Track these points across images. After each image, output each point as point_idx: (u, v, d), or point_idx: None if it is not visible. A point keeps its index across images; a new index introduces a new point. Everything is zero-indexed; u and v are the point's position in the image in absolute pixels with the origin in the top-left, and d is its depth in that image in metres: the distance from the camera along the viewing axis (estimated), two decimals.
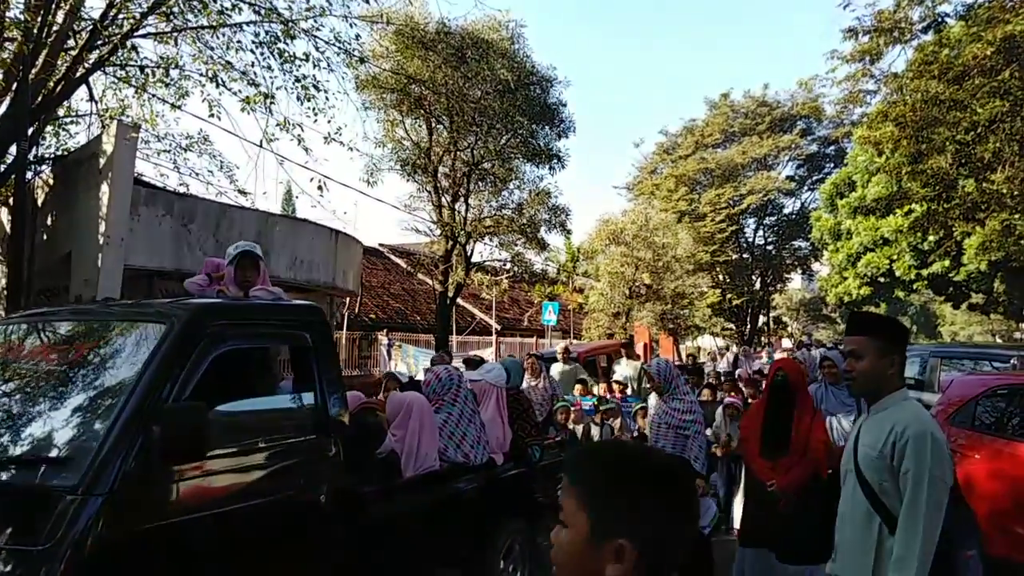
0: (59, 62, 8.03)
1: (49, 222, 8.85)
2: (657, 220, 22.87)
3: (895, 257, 22.04)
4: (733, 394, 7.55)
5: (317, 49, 9.01)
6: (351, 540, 3.46)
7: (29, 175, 8.44)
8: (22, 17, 7.23)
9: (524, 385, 6.93)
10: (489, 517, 4.48)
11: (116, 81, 9.53)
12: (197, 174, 10.65)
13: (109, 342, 3.20)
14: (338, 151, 55.91)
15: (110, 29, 8.19)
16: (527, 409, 5.32)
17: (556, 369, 9.23)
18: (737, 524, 5.67)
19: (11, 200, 8.15)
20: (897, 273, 22.25)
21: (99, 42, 8.15)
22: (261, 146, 8.97)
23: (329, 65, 9.48)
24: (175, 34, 8.72)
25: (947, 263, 19.94)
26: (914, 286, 23.34)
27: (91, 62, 8.18)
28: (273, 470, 3.16)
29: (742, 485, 5.91)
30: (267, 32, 8.73)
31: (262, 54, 8.79)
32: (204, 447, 2.72)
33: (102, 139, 8.11)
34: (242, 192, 10.78)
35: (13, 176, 7.78)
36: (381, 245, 26.86)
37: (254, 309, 3.60)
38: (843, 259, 24.35)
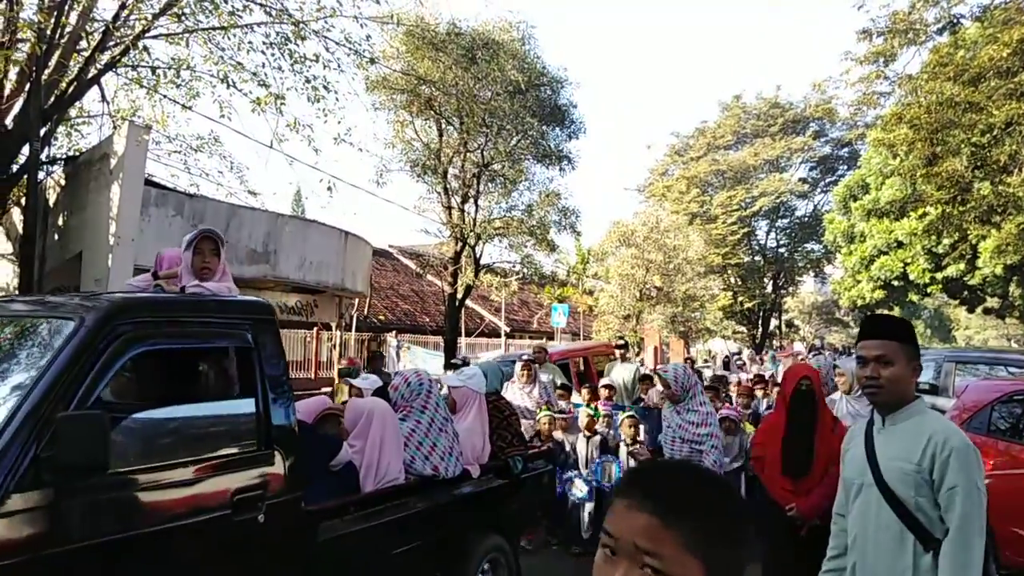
0: (72, 63, 8.08)
1: (61, 222, 8.92)
2: (668, 222, 22.81)
3: (909, 260, 21.84)
4: (726, 404, 6.95)
5: (327, 50, 9.03)
6: (295, 563, 3.16)
7: (41, 175, 8.52)
8: (36, 18, 7.28)
9: (516, 392, 6.65)
10: (462, 535, 4.12)
11: (128, 82, 9.61)
12: (207, 175, 10.74)
13: (6, 341, 2.90)
14: (348, 152, 56.17)
15: (122, 30, 8.24)
16: (509, 416, 4.88)
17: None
18: None
19: (24, 200, 8.22)
20: (911, 276, 22.04)
21: (111, 43, 8.21)
22: (271, 147, 9.00)
23: (339, 66, 9.52)
24: (186, 35, 8.76)
25: (962, 266, 19.75)
26: (928, 290, 23.09)
27: (103, 63, 8.23)
28: (200, 487, 2.82)
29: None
30: (278, 33, 8.77)
31: (272, 55, 8.83)
32: (105, 462, 2.37)
33: (113, 140, 8.17)
34: (252, 193, 10.84)
35: (26, 176, 7.85)
36: (390, 246, 26.92)
37: (184, 304, 3.18)
38: (856, 262, 24.15)
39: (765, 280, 34.42)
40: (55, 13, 7.33)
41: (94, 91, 8.76)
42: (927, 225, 16.40)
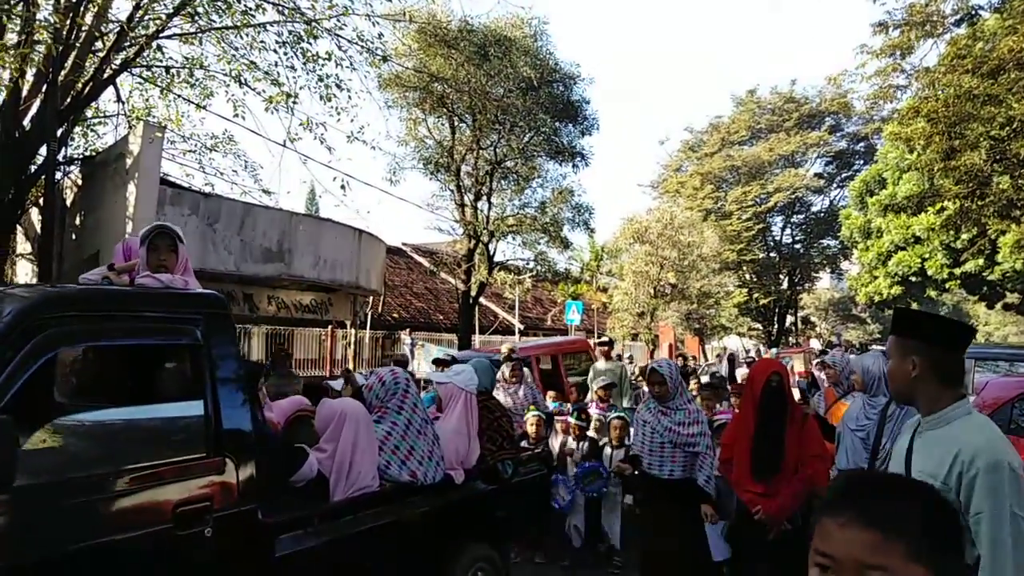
0: (87, 63, 8.15)
1: (77, 222, 9.01)
2: (682, 218, 22.70)
3: (927, 256, 21.60)
4: (721, 406, 6.62)
5: (340, 48, 9.03)
6: None
7: (59, 175, 8.61)
8: (52, 19, 7.35)
9: (501, 392, 6.35)
10: (443, 545, 3.84)
11: (142, 82, 9.67)
12: (222, 174, 10.79)
13: None
14: (361, 150, 56.40)
15: (137, 30, 8.29)
16: (500, 418, 4.58)
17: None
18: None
19: (42, 200, 8.31)
20: (929, 272, 21.80)
21: (126, 43, 8.26)
22: (285, 146, 9.02)
23: (352, 64, 9.51)
24: (200, 35, 8.81)
25: (981, 262, 19.51)
26: (947, 285, 22.83)
27: (118, 63, 8.29)
28: (134, 499, 2.56)
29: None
30: (290, 32, 8.78)
31: (285, 54, 8.85)
32: (10, 472, 2.16)
33: (129, 139, 8.24)
34: (266, 191, 10.89)
35: (43, 176, 7.93)
36: (404, 244, 26.98)
37: (123, 298, 2.90)
38: (873, 258, 23.92)
39: (781, 276, 34.17)
40: (71, 14, 7.40)
41: (109, 91, 8.84)
42: (945, 220, 16.21)
